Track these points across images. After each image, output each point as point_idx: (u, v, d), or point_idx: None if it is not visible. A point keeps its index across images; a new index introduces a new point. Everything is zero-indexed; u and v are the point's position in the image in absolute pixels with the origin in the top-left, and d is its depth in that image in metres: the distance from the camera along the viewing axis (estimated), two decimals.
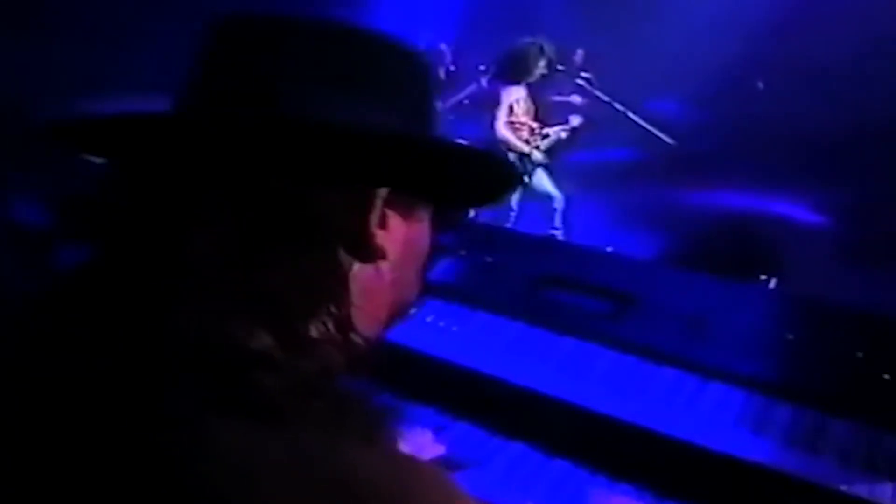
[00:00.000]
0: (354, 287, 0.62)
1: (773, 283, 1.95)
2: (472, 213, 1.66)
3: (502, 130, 4.85)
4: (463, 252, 1.71)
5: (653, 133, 4.70)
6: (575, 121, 5.11)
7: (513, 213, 4.97)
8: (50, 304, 0.60)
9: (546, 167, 5.03)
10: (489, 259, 1.67)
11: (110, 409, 0.53)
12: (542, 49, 4.78)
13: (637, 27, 6.23)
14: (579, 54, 5.85)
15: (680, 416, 1.35)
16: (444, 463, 1.34)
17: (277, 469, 0.50)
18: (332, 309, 0.60)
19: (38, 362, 0.57)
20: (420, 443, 1.34)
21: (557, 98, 5.73)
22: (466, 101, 6.40)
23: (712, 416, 1.35)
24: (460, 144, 0.70)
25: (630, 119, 4.62)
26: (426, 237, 0.71)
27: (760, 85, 6.37)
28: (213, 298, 0.57)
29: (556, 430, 1.40)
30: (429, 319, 1.60)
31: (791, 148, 5.19)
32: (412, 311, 0.75)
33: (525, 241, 1.77)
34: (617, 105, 4.55)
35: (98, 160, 0.64)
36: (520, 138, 4.91)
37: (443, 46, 6.62)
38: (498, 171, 0.69)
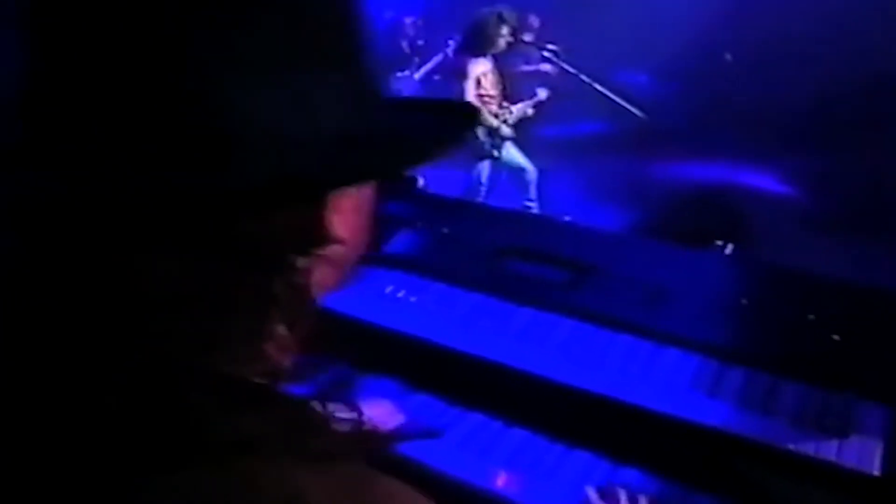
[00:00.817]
0: (314, 286, 0.58)
1: (729, 250, 1.98)
2: (421, 183, 1.65)
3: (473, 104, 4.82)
4: (420, 223, 1.71)
5: (622, 105, 4.70)
6: (542, 94, 5.10)
7: (483, 188, 4.96)
8: None
9: (515, 140, 5.03)
10: (446, 230, 1.67)
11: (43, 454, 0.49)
12: (501, 16, 4.73)
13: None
14: (534, 19, 5.82)
15: (636, 382, 1.37)
16: (404, 432, 1.34)
17: None
18: (296, 323, 0.56)
19: None
20: (380, 412, 1.34)
21: (524, 68, 5.71)
22: (437, 77, 6.37)
23: (667, 382, 1.36)
24: (408, 106, 0.65)
25: (597, 91, 4.62)
26: (372, 195, 0.65)
27: (728, 57, 6.40)
28: (164, 335, 0.51)
29: (514, 400, 1.41)
30: (387, 291, 1.60)
31: (756, 120, 5.24)
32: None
33: (482, 212, 1.77)
34: (584, 77, 4.54)
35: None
36: (488, 112, 4.89)
37: (407, 20, 6.56)
38: (454, 116, 0.63)
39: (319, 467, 0.52)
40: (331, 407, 1.29)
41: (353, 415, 1.28)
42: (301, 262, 0.55)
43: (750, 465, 1.26)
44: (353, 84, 0.56)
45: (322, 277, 0.59)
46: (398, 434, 1.34)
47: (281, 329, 0.56)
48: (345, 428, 1.29)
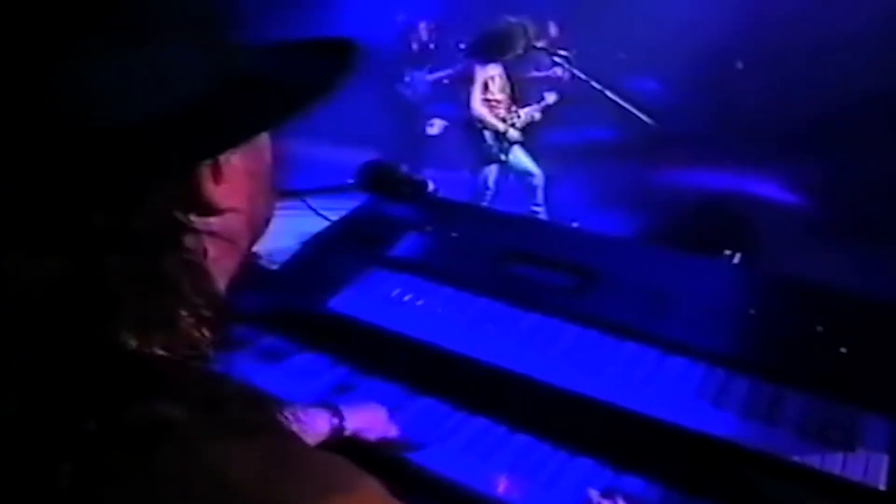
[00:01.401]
0: (210, 258, 0.57)
1: (737, 259, 1.97)
2: (432, 188, 1.65)
3: (478, 108, 4.82)
4: (428, 227, 1.71)
5: (630, 112, 4.69)
6: (550, 98, 5.10)
7: (489, 192, 4.96)
8: None
9: (522, 145, 5.03)
10: (454, 234, 1.66)
11: None
12: (525, 30, 4.77)
13: (617, 6, 6.21)
14: (552, 27, 5.83)
15: (640, 389, 1.36)
16: (390, 442, 1.32)
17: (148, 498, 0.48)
18: (198, 299, 0.55)
19: None
20: (369, 419, 1.32)
21: (535, 74, 5.71)
22: (446, 81, 6.38)
23: (672, 390, 1.36)
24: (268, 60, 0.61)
25: (607, 97, 4.61)
26: (267, 155, 0.63)
27: (739, 65, 6.38)
28: (64, 327, 0.50)
29: (519, 405, 1.40)
30: (394, 294, 1.59)
31: (766, 129, 5.21)
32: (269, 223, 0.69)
33: (490, 217, 1.77)
34: (594, 83, 4.53)
35: None
36: (496, 116, 4.89)
37: (421, 25, 6.57)
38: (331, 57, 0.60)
39: (242, 440, 0.51)
40: (311, 412, 1.26)
41: (335, 420, 1.26)
42: (189, 239, 0.54)
43: (754, 476, 1.26)
44: (208, 50, 0.54)
45: (218, 255, 0.58)
46: (383, 443, 1.31)
47: (187, 308, 0.54)
48: (323, 433, 1.26)
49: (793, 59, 5.56)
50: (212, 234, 0.56)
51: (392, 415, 1.35)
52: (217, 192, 0.55)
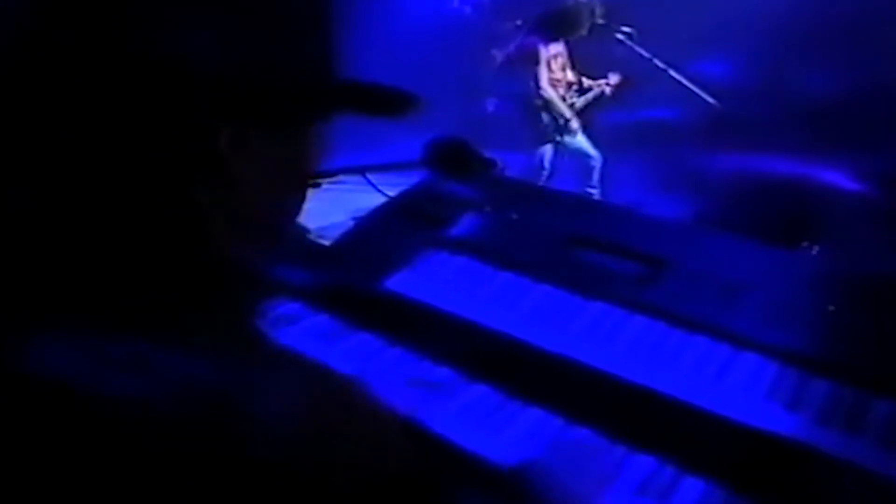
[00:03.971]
0: (218, 219, 0.61)
1: (815, 251, 1.85)
2: (500, 166, 1.58)
3: (548, 89, 4.73)
4: (488, 208, 1.65)
5: (695, 92, 4.54)
6: (614, 78, 4.96)
7: (545, 172, 4.88)
8: None
9: (581, 125, 4.92)
10: (515, 216, 1.61)
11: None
12: (593, 10, 4.69)
13: None
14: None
15: (707, 385, 1.29)
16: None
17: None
18: (202, 252, 0.61)
19: None
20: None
21: (597, 54, 5.56)
22: (506, 59, 6.28)
23: (742, 388, 1.28)
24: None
25: (671, 77, 4.46)
26: (301, 148, 0.67)
27: (809, 47, 6.12)
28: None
29: (578, 397, 1.35)
30: (450, 276, 1.55)
31: (839, 113, 4.97)
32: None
33: (553, 199, 1.70)
34: (658, 62, 4.39)
35: None
36: (557, 95, 4.79)
37: (485, 6, 6.49)
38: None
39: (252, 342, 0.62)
40: None
41: None
42: (201, 192, 0.58)
43: (829, 487, 1.18)
44: (287, 43, 0.61)
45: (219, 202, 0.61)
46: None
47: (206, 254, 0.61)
48: None
49: (868, 39, 5.29)
50: (222, 186, 0.60)
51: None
52: (239, 161, 0.59)
